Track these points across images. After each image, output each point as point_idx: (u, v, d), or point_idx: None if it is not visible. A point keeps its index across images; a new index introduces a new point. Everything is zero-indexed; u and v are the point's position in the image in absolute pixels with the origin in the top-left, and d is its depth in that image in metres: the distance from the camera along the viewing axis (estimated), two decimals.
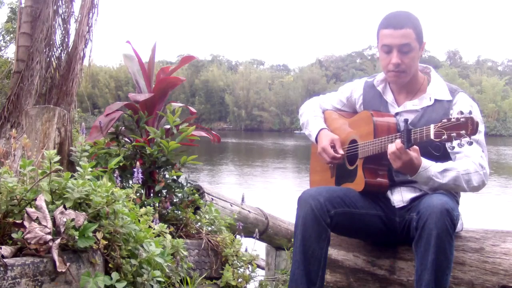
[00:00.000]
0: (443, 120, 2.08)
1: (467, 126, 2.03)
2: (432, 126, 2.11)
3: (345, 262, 2.80)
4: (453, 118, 2.05)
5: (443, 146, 2.34)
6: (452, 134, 2.04)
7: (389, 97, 2.63)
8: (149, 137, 3.26)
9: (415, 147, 2.23)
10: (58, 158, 2.15)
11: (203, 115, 63.11)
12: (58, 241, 1.91)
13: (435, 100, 2.51)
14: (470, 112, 2.06)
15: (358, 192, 2.50)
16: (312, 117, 2.84)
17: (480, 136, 2.36)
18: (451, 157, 2.42)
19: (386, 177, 2.51)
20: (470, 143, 2.04)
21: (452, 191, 2.42)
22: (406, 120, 2.25)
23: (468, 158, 2.36)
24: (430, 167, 2.29)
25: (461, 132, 2.03)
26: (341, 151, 2.62)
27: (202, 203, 3.31)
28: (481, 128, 2.25)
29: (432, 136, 2.10)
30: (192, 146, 3.50)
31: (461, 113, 2.06)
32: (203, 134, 3.49)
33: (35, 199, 2.02)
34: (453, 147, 2.10)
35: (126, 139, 3.39)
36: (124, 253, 2.16)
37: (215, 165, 20.07)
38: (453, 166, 2.33)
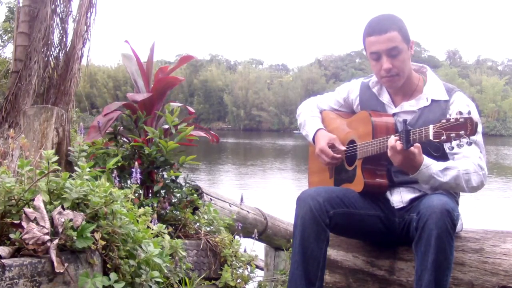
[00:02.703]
0: (442, 121, 2.07)
1: (466, 127, 2.02)
2: (431, 126, 2.10)
3: (344, 263, 2.80)
4: (452, 118, 2.05)
5: (442, 147, 2.34)
6: (451, 135, 2.03)
7: (385, 98, 2.62)
8: (148, 137, 3.26)
9: (417, 144, 2.22)
10: (56, 158, 2.14)
11: (202, 115, 63.13)
12: (56, 241, 1.90)
13: (432, 101, 2.50)
14: (469, 112, 2.05)
15: (357, 193, 2.49)
16: (309, 117, 2.83)
17: (478, 137, 2.35)
18: (449, 158, 2.41)
19: (385, 177, 2.50)
20: (470, 144, 2.03)
21: (452, 190, 2.42)
22: (405, 121, 2.24)
23: (467, 158, 2.35)
24: (432, 165, 2.29)
25: (460, 132, 2.02)
26: (341, 147, 2.61)
27: (200, 203, 3.30)
28: (479, 128, 2.24)
29: (431, 137, 2.09)
30: (190, 146, 3.50)
31: (460, 113, 2.05)
32: (202, 134, 3.49)
33: (33, 199, 2.01)
34: (453, 148, 2.09)
35: (125, 139, 3.38)
36: (123, 254, 2.15)
37: (214, 165, 20.06)
38: (454, 165, 2.33)
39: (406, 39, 2.45)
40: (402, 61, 2.45)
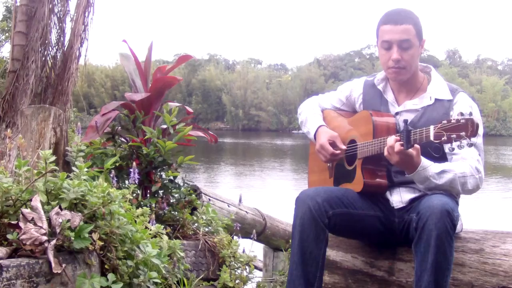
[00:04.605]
0: (443, 122, 2.06)
1: (467, 128, 2.01)
2: (432, 127, 2.09)
3: (343, 263, 2.79)
4: (453, 119, 2.04)
5: (442, 148, 2.33)
6: (452, 136, 2.03)
7: (389, 96, 2.62)
8: (146, 137, 3.25)
9: (416, 146, 2.21)
10: (53, 158, 2.13)
11: (200, 115, 63.04)
12: (53, 242, 1.89)
13: (436, 100, 2.50)
14: (470, 114, 2.05)
15: (356, 193, 2.48)
16: (311, 115, 2.82)
17: (478, 139, 2.35)
18: (448, 159, 2.41)
19: (385, 177, 2.49)
20: (470, 145, 2.03)
21: (446, 192, 2.40)
22: (405, 121, 2.23)
23: (465, 160, 2.35)
24: (429, 167, 2.28)
25: (461, 133, 2.01)
26: (342, 146, 2.60)
27: (199, 203, 3.30)
28: (480, 130, 2.23)
29: (431, 138, 2.08)
30: (189, 146, 3.49)
31: (461, 114, 2.04)
32: (200, 134, 3.48)
33: (31, 200, 2.01)
34: (453, 149, 2.09)
35: (123, 139, 3.38)
36: (121, 254, 2.15)
37: (212, 165, 20.06)
38: (451, 168, 2.32)
39: (419, 36, 2.46)
40: (411, 56, 2.45)
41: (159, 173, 3.30)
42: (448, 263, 2.14)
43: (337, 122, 2.75)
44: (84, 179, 2.19)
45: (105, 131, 3.28)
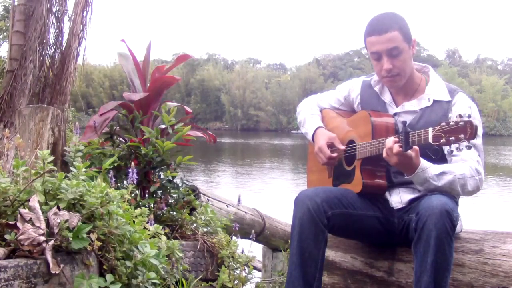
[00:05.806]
0: (441, 124, 2.05)
1: (466, 130, 2.00)
2: (430, 129, 2.08)
3: (342, 264, 2.78)
4: (452, 121, 2.03)
5: (441, 150, 2.32)
6: (450, 138, 2.02)
7: (387, 97, 2.61)
8: (144, 137, 3.24)
9: (415, 147, 2.20)
10: (51, 158, 2.13)
11: (199, 115, 62.96)
12: (51, 242, 1.89)
13: (434, 101, 2.48)
14: (469, 116, 2.04)
15: (356, 193, 2.47)
16: (309, 115, 2.82)
17: (478, 140, 2.34)
18: (447, 160, 2.40)
19: (384, 178, 2.49)
20: (469, 148, 2.02)
21: (446, 193, 2.40)
22: (404, 123, 2.23)
23: (465, 162, 2.34)
24: (429, 169, 2.27)
25: (459, 136, 2.00)
26: (340, 147, 2.59)
27: (197, 204, 3.29)
28: (480, 131, 2.22)
29: (430, 140, 2.08)
30: (187, 146, 3.49)
31: (460, 116, 2.03)
32: (199, 134, 3.47)
33: (29, 200, 2.00)
34: (452, 151, 2.08)
35: (121, 139, 3.37)
36: (119, 255, 2.14)
37: (211, 166, 20.05)
38: (451, 169, 2.31)
39: (407, 38, 2.42)
40: (403, 61, 2.43)
41: (157, 173, 3.29)
42: (447, 264, 2.14)
43: (336, 122, 2.74)
44: (82, 179, 2.18)
45: (103, 131, 3.27)
